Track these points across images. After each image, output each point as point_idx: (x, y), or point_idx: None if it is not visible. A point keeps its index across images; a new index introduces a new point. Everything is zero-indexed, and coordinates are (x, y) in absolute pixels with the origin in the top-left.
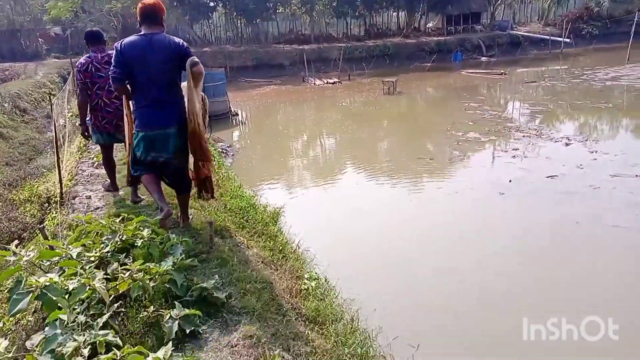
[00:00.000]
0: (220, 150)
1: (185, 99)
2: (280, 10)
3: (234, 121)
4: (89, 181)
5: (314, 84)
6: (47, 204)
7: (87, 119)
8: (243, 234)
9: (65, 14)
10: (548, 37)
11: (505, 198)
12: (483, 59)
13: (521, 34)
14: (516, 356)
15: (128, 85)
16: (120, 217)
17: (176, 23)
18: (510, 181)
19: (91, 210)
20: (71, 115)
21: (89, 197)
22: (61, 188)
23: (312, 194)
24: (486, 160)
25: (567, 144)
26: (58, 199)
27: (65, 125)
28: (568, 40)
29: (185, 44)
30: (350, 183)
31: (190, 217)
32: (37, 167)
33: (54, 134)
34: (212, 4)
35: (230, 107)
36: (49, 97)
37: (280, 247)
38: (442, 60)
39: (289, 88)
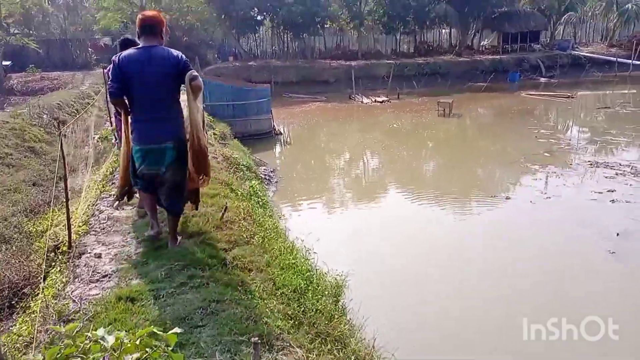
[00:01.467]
0: (262, 176)
1: (185, 112)
2: (327, 25)
3: (278, 141)
4: (104, 228)
5: (362, 102)
6: (54, 253)
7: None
8: (299, 338)
9: (114, 24)
10: (614, 59)
11: (619, 259)
12: (542, 80)
13: (584, 54)
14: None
15: (126, 100)
16: (114, 338)
17: (223, 37)
18: (617, 235)
19: (96, 279)
20: (105, 133)
21: (99, 256)
22: (70, 239)
23: (373, 240)
24: (578, 204)
25: None
26: (65, 249)
27: (101, 140)
28: (638, 62)
29: (184, 57)
30: (415, 227)
31: (180, 241)
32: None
33: (62, 174)
34: (259, 17)
35: (274, 126)
36: (57, 125)
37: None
38: (498, 81)
39: (334, 105)
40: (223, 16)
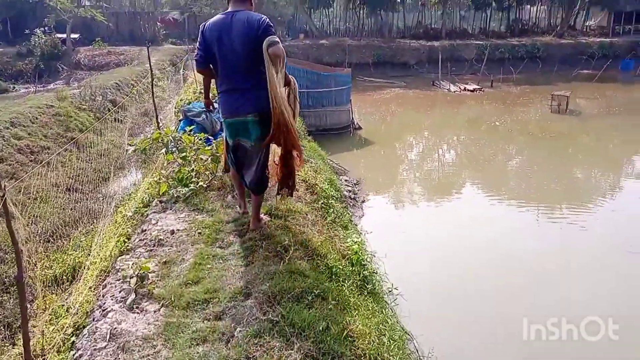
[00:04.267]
0: (345, 192)
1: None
2: (408, 0)
3: (356, 138)
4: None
5: (448, 89)
6: None
7: None
8: None
9: None
10: None
11: None
12: None
13: None
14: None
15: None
16: None
17: (294, 12)
18: None
19: None
20: (144, 143)
21: None
22: None
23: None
24: None
25: None
26: None
27: (137, 152)
28: None
29: (266, 21)
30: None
31: (263, 222)
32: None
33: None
34: None
35: (353, 119)
36: None
37: None
38: (607, 68)
39: (417, 93)
40: None
